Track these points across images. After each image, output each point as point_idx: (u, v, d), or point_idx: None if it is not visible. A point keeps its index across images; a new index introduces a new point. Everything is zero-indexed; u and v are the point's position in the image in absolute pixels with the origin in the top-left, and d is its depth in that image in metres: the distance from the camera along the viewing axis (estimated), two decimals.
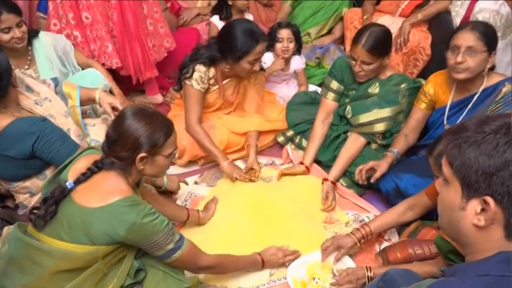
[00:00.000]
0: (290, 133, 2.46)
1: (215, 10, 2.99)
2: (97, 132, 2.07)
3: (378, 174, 1.96)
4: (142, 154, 1.34)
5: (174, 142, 1.43)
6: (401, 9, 2.87)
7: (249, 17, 2.98)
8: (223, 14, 2.91)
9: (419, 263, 1.61)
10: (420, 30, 2.74)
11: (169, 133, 1.39)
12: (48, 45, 2.31)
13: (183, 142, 2.25)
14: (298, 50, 2.75)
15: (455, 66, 1.82)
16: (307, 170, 2.23)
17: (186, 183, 2.13)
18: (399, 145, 2.06)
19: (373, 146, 2.21)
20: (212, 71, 2.23)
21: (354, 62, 2.11)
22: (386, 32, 2.11)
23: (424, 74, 2.68)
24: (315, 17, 3.19)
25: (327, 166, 2.26)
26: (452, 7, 2.77)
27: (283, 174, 2.24)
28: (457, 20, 2.72)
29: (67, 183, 1.30)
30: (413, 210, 1.74)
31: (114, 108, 1.98)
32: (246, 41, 2.09)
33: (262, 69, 2.39)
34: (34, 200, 1.86)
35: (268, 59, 2.68)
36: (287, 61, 2.73)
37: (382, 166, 1.98)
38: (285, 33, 2.65)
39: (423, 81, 2.20)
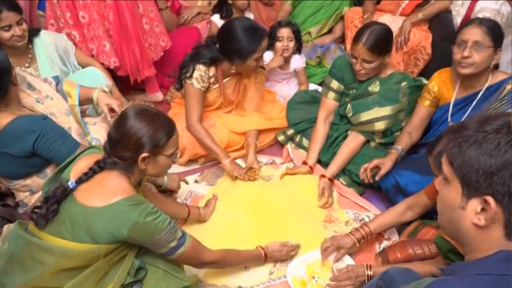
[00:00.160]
0: (290, 132, 2.46)
1: (216, 9, 2.98)
2: (97, 130, 2.07)
3: (382, 172, 1.96)
4: (145, 154, 1.34)
5: (176, 142, 1.43)
6: (402, 8, 2.87)
7: (250, 16, 2.98)
8: (223, 13, 2.91)
9: (419, 262, 1.61)
10: (421, 30, 2.74)
11: (171, 133, 1.39)
12: (49, 44, 2.31)
13: (184, 141, 2.25)
14: (298, 49, 2.75)
15: (461, 60, 1.83)
16: (311, 170, 2.22)
17: (186, 182, 2.13)
18: (403, 142, 2.06)
19: (373, 144, 2.21)
20: (212, 70, 2.23)
21: (354, 60, 2.11)
22: (387, 31, 2.11)
23: (425, 73, 2.69)
24: (315, 16, 3.18)
25: (327, 165, 2.25)
26: (453, 6, 2.77)
27: (287, 174, 2.24)
28: (457, 19, 2.72)
29: (69, 183, 1.30)
30: (413, 210, 1.74)
31: (112, 110, 1.98)
32: (250, 40, 2.10)
33: (261, 66, 2.39)
34: (34, 198, 1.86)
35: (268, 57, 2.68)
36: (287, 60, 2.73)
37: (386, 164, 1.98)
38: (285, 32, 2.65)
39: (424, 80, 2.20)
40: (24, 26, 2.12)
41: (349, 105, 2.19)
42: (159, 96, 2.91)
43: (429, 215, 1.75)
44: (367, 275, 1.61)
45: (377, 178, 1.98)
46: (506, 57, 2.65)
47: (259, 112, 2.47)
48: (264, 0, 3.37)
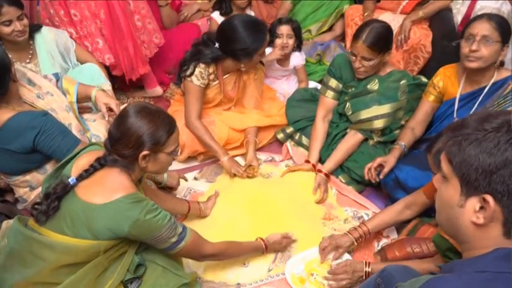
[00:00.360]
0: (290, 130, 2.46)
1: (216, 6, 2.98)
2: (97, 127, 2.08)
3: (386, 170, 1.97)
4: (145, 152, 1.34)
5: (176, 139, 1.43)
6: (403, 6, 2.87)
7: (250, 13, 2.97)
8: (223, 10, 2.90)
9: (418, 260, 1.61)
10: (421, 28, 2.73)
11: (171, 130, 1.39)
12: (50, 40, 2.31)
13: (183, 138, 2.25)
14: (298, 47, 2.75)
15: (469, 54, 1.84)
16: (314, 169, 2.22)
17: (186, 179, 2.13)
18: (406, 138, 2.07)
19: (371, 142, 2.21)
20: (212, 67, 2.23)
21: (354, 58, 2.11)
22: (387, 28, 2.11)
23: (425, 71, 2.69)
24: (315, 14, 3.18)
25: None
26: (453, 5, 2.76)
27: (289, 171, 2.24)
28: (458, 18, 2.72)
29: (69, 180, 1.31)
30: (411, 208, 1.74)
31: (110, 109, 1.98)
32: (254, 38, 2.11)
33: (260, 62, 2.40)
34: (34, 194, 1.86)
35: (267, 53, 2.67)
36: (287, 57, 2.73)
37: (390, 161, 1.98)
38: (284, 29, 2.65)
39: (423, 78, 2.20)
40: (25, 21, 2.12)
41: (348, 104, 2.19)
42: (158, 90, 2.90)
43: (428, 212, 1.75)
44: (365, 271, 1.62)
45: (381, 176, 1.98)
46: (507, 55, 2.66)
47: (258, 109, 2.47)
48: None
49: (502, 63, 1.92)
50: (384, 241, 1.89)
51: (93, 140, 1.98)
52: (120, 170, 1.34)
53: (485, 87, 1.92)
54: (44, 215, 1.29)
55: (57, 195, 1.29)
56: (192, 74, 2.17)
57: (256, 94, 2.45)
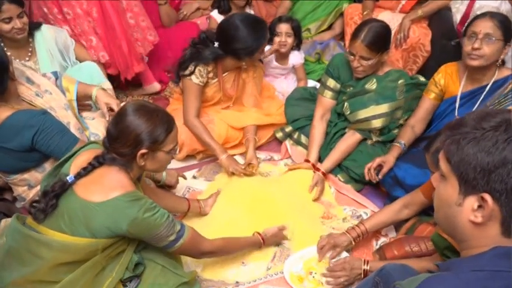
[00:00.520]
0: (289, 129, 2.46)
1: (215, 4, 2.98)
2: (96, 126, 2.07)
3: (385, 169, 1.97)
4: (143, 150, 1.34)
5: (175, 138, 1.43)
6: (402, 5, 2.87)
7: (250, 12, 2.97)
8: (221, 8, 2.90)
9: (416, 259, 1.61)
10: (420, 27, 2.73)
11: (170, 129, 1.39)
12: (50, 38, 2.31)
13: (182, 136, 2.23)
14: (297, 46, 2.75)
15: (471, 52, 1.85)
16: (313, 168, 2.21)
17: (185, 178, 2.13)
18: (406, 137, 2.07)
19: (369, 141, 2.21)
20: (211, 65, 2.23)
21: (352, 57, 2.11)
22: (385, 28, 2.11)
23: (424, 70, 2.69)
24: (315, 13, 3.18)
25: None
26: (453, 4, 2.76)
27: (289, 170, 2.24)
28: (457, 17, 2.71)
29: (68, 177, 1.31)
30: (409, 208, 1.75)
31: (111, 109, 1.98)
32: (255, 37, 2.12)
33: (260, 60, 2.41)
34: (32, 193, 1.86)
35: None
36: (285, 55, 2.72)
37: (389, 161, 1.98)
38: (284, 27, 2.65)
39: (421, 78, 2.21)
40: (25, 19, 2.12)
41: (346, 104, 2.19)
42: (156, 86, 2.89)
43: (426, 211, 1.76)
44: (364, 269, 1.62)
45: (380, 176, 1.99)
46: (508, 54, 2.66)
47: (257, 107, 2.47)
48: None
49: (503, 62, 1.92)
50: (382, 240, 1.90)
51: (92, 139, 1.98)
52: (119, 168, 1.34)
53: (486, 85, 1.93)
54: (42, 212, 1.29)
55: (55, 193, 1.29)
56: (191, 73, 2.17)
57: (255, 92, 2.45)
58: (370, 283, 1.17)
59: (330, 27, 3.22)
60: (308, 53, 2.97)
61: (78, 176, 1.31)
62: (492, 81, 1.91)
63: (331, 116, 2.31)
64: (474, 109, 1.95)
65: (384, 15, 2.83)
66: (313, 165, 2.21)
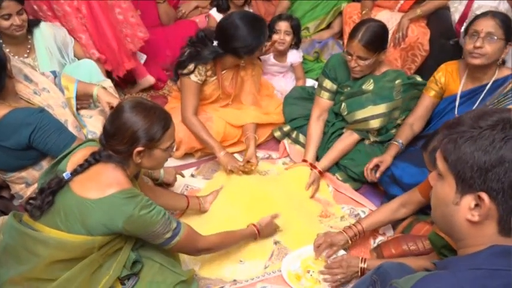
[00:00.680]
0: (287, 128, 2.45)
1: (213, 2, 2.97)
2: (94, 123, 2.07)
3: (382, 168, 1.98)
4: (140, 148, 1.34)
5: (172, 135, 1.42)
6: (400, 4, 2.87)
7: (248, 10, 2.97)
8: (220, 6, 2.89)
9: (413, 257, 1.61)
10: (419, 26, 2.73)
11: (167, 126, 1.38)
12: (49, 35, 2.30)
13: (180, 134, 2.24)
14: (296, 44, 2.74)
15: (472, 51, 1.86)
16: (311, 167, 2.21)
17: (183, 176, 2.13)
18: (404, 135, 2.07)
19: (367, 141, 2.21)
20: (210, 63, 2.22)
21: (349, 57, 2.10)
22: (382, 28, 2.10)
23: (422, 69, 2.69)
24: (313, 12, 3.18)
25: None
26: (451, 3, 2.76)
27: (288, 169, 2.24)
28: (455, 16, 2.71)
29: (64, 174, 1.30)
30: (406, 207, 1.75)
31: (112, 108, 1.97)
32: (255, 35, 2.12)
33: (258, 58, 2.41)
34: (30, 191, 1.86)
35: None
36: (283, 53, 2.72)
37: (386, 160, 1.99)
38: (283, 25, 2.65)
39: (418, 78, 2.21)
40: (24, 16, 2.12)
41: (343, 104, 2.19)
42: (150, 79, 2.86)
43: (423, 210, 1.76)
44: (361, 267, 1.62)
45: (377, 175, 2.00)
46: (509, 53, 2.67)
47: (256, 105, 2.47)
48: None
49: (503, 62, 1.93)
50: (380, 238, 1.90)
51: (90, 137, 1.98)
52: (115, 165, 1.34)
53: (486, 84, 1.93)
54: (39, 209, 1.28)
55: (51, 189, 1.29)
56: (190, 73, 2.17)
57: (253, 90, 2.45)
58: (367, 281, 1.17)
59: (328, 26, 3.21)
60: (307, 51, 2.97)
61: (75, 172, 1.30)
62: (492, 80, 1.92)
63: (329, 116, 2.31)
64: (474, 108, 1.95)
65: (382, 14, 2.83)
66: (311, 165, 2.22)
